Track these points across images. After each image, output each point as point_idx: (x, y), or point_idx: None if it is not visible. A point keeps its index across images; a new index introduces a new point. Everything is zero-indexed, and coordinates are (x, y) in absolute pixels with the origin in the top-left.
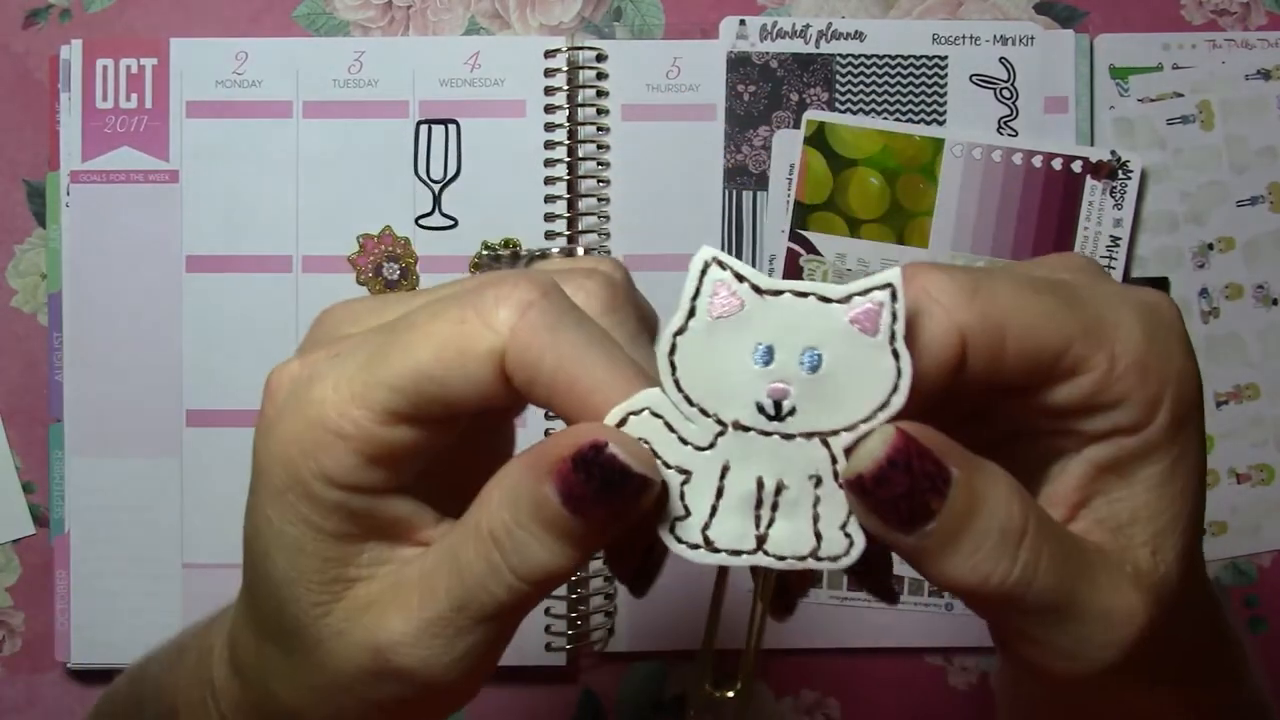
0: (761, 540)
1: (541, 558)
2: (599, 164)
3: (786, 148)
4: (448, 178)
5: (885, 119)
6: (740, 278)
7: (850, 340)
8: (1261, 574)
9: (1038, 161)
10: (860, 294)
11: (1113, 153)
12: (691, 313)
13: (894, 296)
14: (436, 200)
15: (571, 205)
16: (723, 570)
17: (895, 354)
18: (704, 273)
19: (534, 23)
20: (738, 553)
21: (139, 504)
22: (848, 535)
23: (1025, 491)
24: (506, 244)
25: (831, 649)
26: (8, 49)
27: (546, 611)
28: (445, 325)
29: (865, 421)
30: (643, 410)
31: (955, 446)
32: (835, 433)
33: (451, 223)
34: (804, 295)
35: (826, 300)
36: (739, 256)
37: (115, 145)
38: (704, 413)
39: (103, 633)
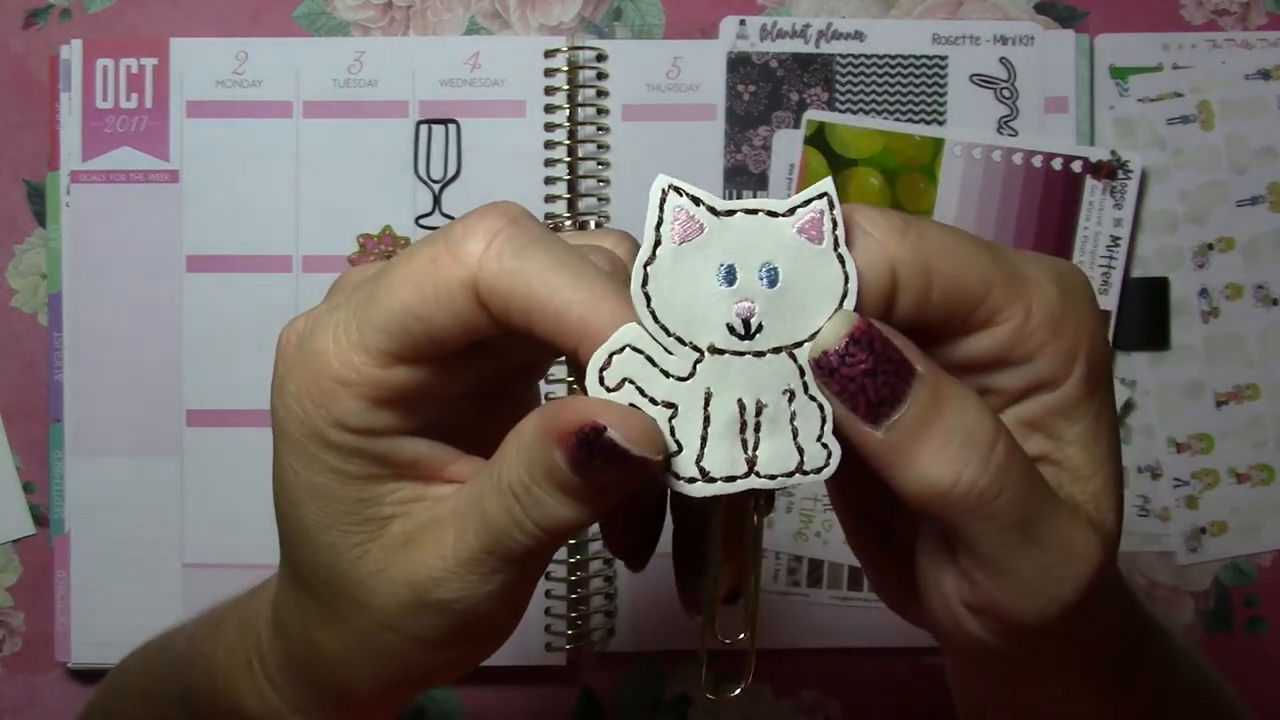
0: (752, 463)
1: (558, 513)
2: (599, 164)
3: (786, 148)
4: (448, 178)
5: (885, 119)
6: (697, 201)
7: (800, 251)
8: (1261, 574)
9: (1038, 161)
10: (801, 205)
11: (1113, 153)
12: (657, 241)
13: (830, 204)
14: (436, 200)
15: (571, 205)
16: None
17: (840, 259)
18: (663, 200)
19: (534, 23)
20: (732, 479)
21: (139, 504)
22: (825, 446)
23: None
24: None
25: (831, 649)
26: (8, 49)
27: (547, 611)
28: (419, 264)
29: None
30: (624, 348)
31: (921, 353)
32: (800, 344)
33: None
34: (753, 212)
35: (774, 215)
36: None
37: (115, 145)
38: (681, 341)
39: (103, 633)
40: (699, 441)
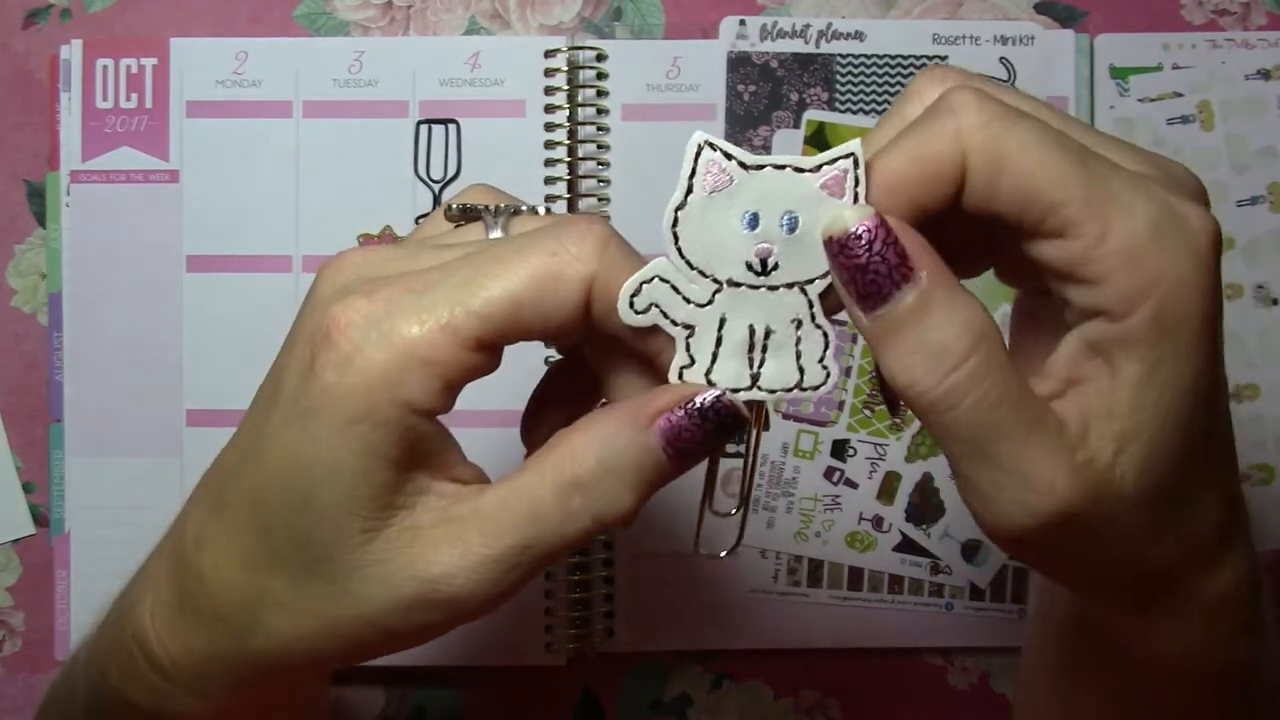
0: (756, 378)
1: (624, 501)
2: (599, 164)
3: (786, 147)
4: (448, 178)
5: None
6: (729, 156)
7: (821, 203)
8: None
9: None
10: (828, 163)
11: None
12: (689, 190)
13: (855, 164)
14: (436, 200)
15: (571, 205)
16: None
17: None
18: (698, 155)
19: (534, 23)
20: (736, 390)
21: (139, 504)
22: (824, 368)
23: (994, 335)
24: (467, 209)
25: (831, 649)
26: (8, 49)
27: (546, 612)
28: (537, 257)
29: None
30: (653, 278)
31: (935, 259)
32: (810, 281)
33: None
34: (781, 167)
35: (800, 170)
36: None
37: (115, 145)
38: (703, 274)
39: None
40: (710, 358)
